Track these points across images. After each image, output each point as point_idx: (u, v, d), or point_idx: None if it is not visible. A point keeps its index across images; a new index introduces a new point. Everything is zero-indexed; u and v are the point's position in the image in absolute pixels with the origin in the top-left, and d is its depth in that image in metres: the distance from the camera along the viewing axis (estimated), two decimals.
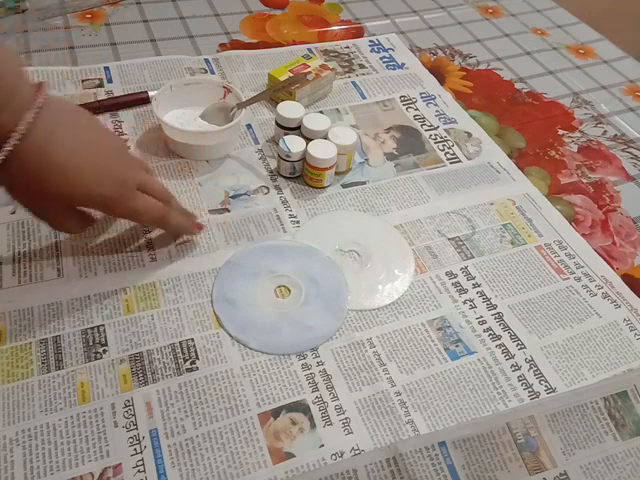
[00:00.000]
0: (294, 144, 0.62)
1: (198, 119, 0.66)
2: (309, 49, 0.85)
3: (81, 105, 0.68)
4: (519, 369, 0.51)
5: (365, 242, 0.59)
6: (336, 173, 0.65)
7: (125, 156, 0.45)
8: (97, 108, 0.68)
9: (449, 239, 0.61)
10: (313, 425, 0.45)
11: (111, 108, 0.69)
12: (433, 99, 0.79)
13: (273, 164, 0.66)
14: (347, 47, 0.87)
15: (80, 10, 0.85)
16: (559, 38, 0.97)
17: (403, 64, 0.85)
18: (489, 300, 0.56)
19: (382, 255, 0.58)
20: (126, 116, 0.69)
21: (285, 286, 0.54)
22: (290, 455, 0.44)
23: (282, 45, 0.86)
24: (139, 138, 0.67)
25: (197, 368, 0.48)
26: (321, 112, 0.73)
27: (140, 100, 0.71)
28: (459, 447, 0.45)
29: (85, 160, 0.37)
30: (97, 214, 0.50)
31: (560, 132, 0.78)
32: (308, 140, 0.63)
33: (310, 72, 0.74)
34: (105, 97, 0.70)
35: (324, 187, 0.64)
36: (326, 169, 0.62)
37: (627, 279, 0.59)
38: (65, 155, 0.37)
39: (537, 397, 0.49)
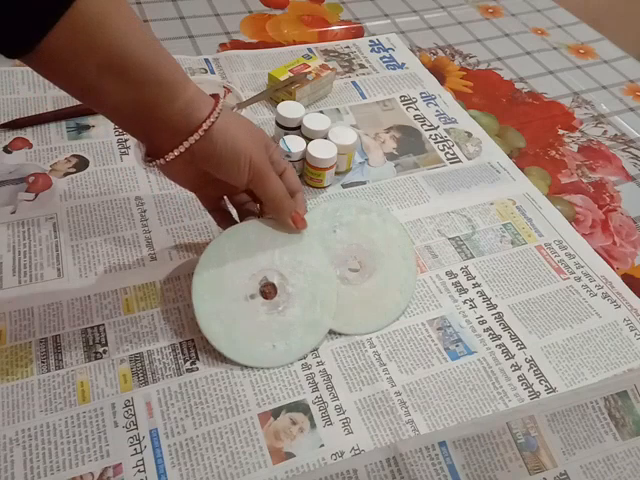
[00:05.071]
0: (294, 144, 0.62)
1: None
2: (309, 49, 0.85)
3: (80, 105, 0.68)
4: (519, 369, 0.51)
5: (366, 249, 0.56)
6: (336, 173, 0.65)
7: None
8: None
9: (449, 239, 0.61)
10: (313, 425, 0.45)
11: None
12: (433, 99, 0.79)
13: None
14: (347, 47, 0.87)
15: None
16: (559, 38, 0.97)
17: (403, 64, 0.85)
18: (489, 300, 0.56)
19: (385, 270, 0.55)
20: None
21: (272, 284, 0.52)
22: (290, 455, 0.44)
23: (282, 45, 0.86)
24: None
25: (197, 368, 0.48)
26: (321, 112, 0.73)
27: None
28: (459, 447, 0.45)
29: (248, 139, 0.47)
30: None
31: (560, 132, 0.78)
32: (308, 140, 0.63)
33: (310, 72, 0.74)
34: None
35: (324, 187, 0.64)
36: (326, 169, 0.62)
37: (627, 279, 0.59)
38: (239, 136, 0.46)
39: (537, 397, 0.49)
